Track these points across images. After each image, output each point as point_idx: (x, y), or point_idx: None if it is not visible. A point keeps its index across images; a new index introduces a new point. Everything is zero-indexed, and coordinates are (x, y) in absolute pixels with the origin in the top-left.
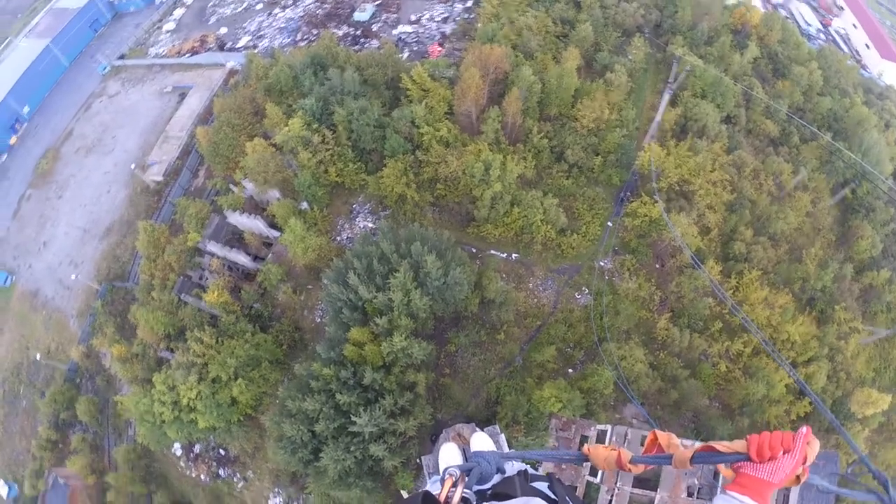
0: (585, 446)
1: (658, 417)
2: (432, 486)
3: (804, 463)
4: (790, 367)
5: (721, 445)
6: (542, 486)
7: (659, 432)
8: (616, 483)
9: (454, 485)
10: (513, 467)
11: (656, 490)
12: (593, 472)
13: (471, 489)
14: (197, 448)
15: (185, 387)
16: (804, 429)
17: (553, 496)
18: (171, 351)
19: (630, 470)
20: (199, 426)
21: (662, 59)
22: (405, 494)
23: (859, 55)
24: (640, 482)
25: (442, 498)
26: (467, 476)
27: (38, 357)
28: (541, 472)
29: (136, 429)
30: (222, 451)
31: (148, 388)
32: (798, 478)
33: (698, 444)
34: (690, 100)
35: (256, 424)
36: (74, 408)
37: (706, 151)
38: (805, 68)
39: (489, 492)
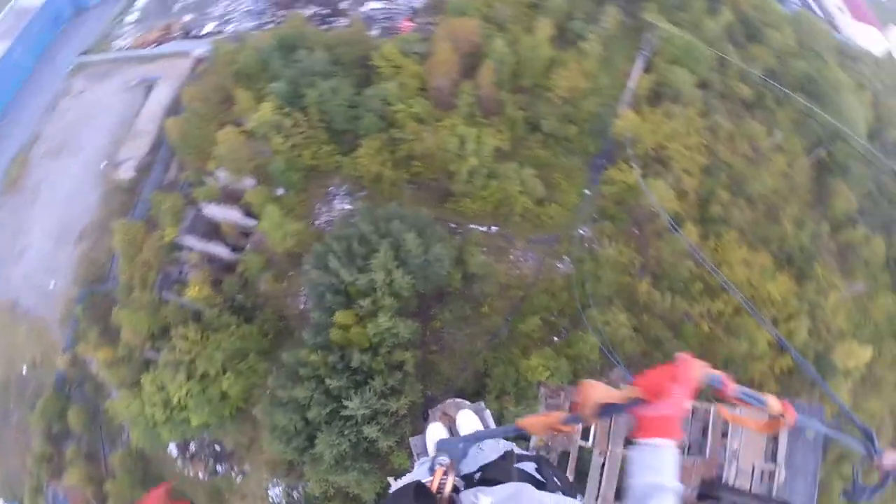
0: (518, 420)
1: None
2: (419, 470)
3: (695, 385)
4: (772, 327)
5: (616, 397)
6: (530, 466)
7: (586, 383)
8: (608, 445)
9: (445, 473)
10: (499, 446)
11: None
12: (585, 436)
13: (458, 476)
14: (192, 446)
15: (174, 385)
16: (682, 354)
17: (541, 478)
18: (157, 350)
19: (566, 431)
20: (192, 424)
21: (635, 26)
22: (392, 482)
23: (833, 18)
24: (630, 443)
25: (434, 487)
26: (458, 463)
27: (24, 370)
28: (532, 448)
29: (130, 433)
30: (217, 447)
31: (137, 391)
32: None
33: (594, 401)
34: (664, 66)
35: (249, 417)
36: (66, 418)
37: (681, 117)
38: (779, 32)
39: (476, 476)
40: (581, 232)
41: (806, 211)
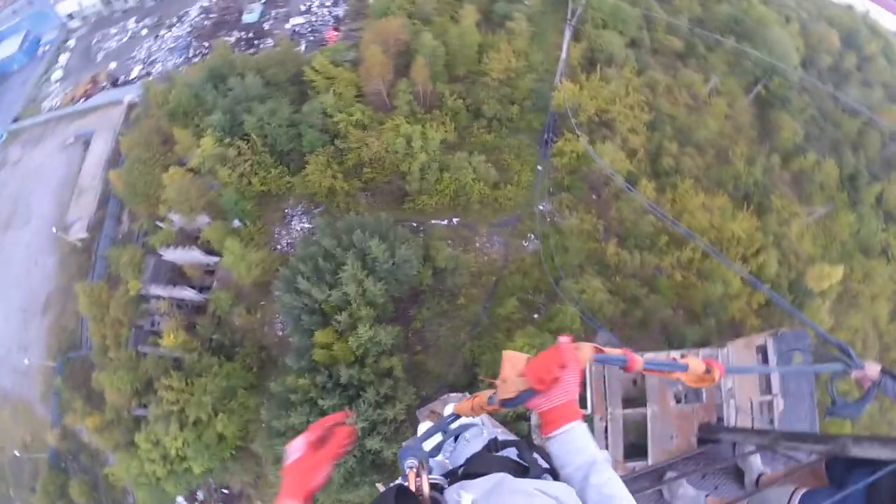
0: (452, 406)
1: (629, 338)
2: (407, 463)
3: (583, 366)
4: (739, 268)
5: (510, 391)
6: (512, 452)
7: (508, 353)
8: (607, 409)
9: (418, 475)
10: (483, 435)
11: (646, 405)
12: (582, 404)
13: (438, 474)
14: (200, 495)
15: (168, 438)
16: (563, 338)
17: (523, 462)
18: (145, 406)
19: (492, 410)
20: (194, 472)
21: None
22: (381, 487)
23: None
24: (628, 402)
25: (413, 488)
26: (427, 462)
27: (16, 453)
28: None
29: (135, 494)
30: (225, 490)
31: (133, 451)
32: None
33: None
34: (593, 31)
35: (250, 454)
36: (68, 494)
37: (617, 79)
38: None
39: (460, 470)
40: (541, 208)
41: (754, 148)
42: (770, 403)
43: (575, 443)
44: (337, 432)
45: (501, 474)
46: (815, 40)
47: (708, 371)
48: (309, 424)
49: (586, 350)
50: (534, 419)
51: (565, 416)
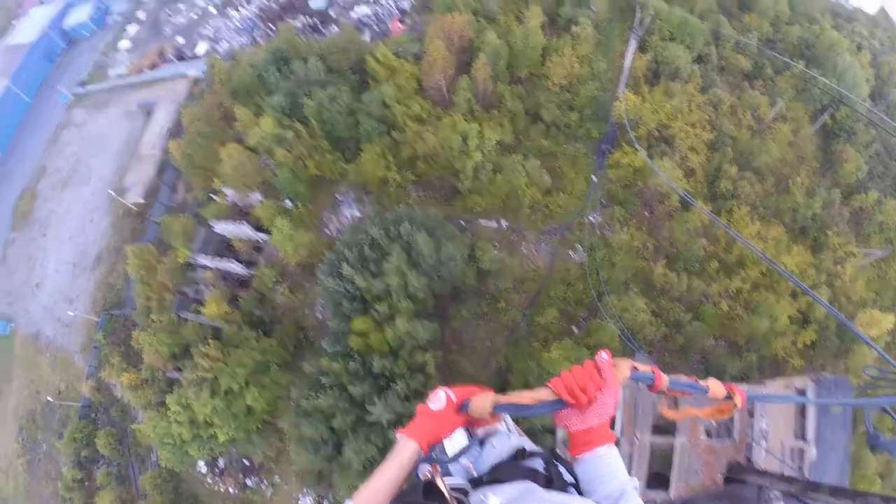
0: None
1: (668, 364)
2: (421, 469)
3: (620, 387)
4: (798, 280)
5: (524, 397)
6: (539, 463)
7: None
8: (634, 433)
9: (432, 480)
10: (511, 443)
11: (675, 435)
12: (612, 426)
13: (463, 478)
14: (221, 462)
15: (199, 403)
16: (604, 354)
17: (549, 474)
18: (180, 370)
19: (494, 420)
20: (219, 440)
21: (626, 5)
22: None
23: None
24: (658, 430)
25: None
26: (439, 466)
27: (49, 399)
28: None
29: (158, 453)
30: (246, 462)
31: (163, 411)
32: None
33: (501, 396)
34: (659, 44)
35: (275, 429)
36: (94, 443)
37: (681, 94)
38: None
39: (486, 477)
40: (591, 219)
41: (815, 179)
42: (802, 450)
43: (606, 468)
44: (482, 421)
45: (528, 482)
46: (885, 72)
47: (729, 397)
48: (336, 409)
49: (624, 369)
50: (560, 433)
51: (598, 438)
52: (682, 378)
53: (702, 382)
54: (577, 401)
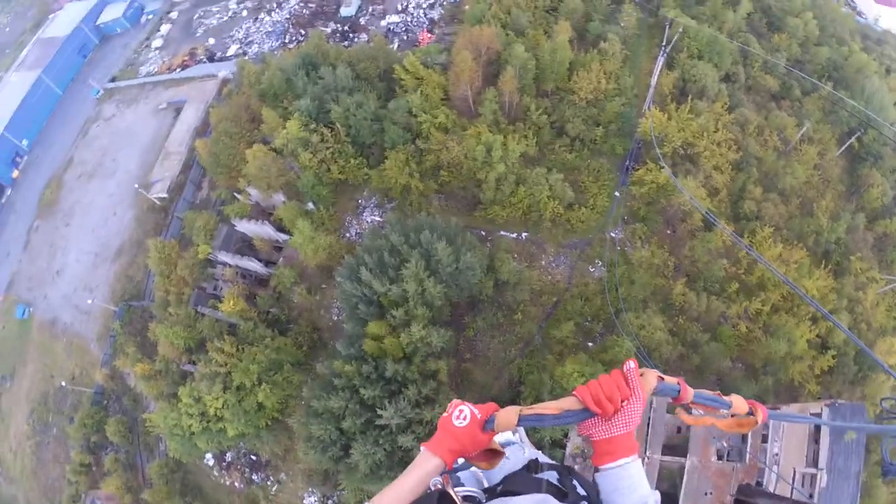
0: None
1: None
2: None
3: (647, 397)
4: (815, 302)
5: (549, 408)
6: (552, 476)
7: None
8: (645, 451)
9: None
10: (524, 455)
11: (686, 456)
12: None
13: (475, 488)
14: (228, 456)
15: (210, 397)
16: (631, 363)
17: (562, 487)
18: (194, 364)
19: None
20: (228, 434)
21: (655, 23)
22: None
23: (854, 2)
24: (669, 449)
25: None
26: (450, 477)
27: (63, 384)
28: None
29: (167, 443)
30: (254, 457)
31: (174, 403)
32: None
33: (525, 408)
34: (687, 61)
35: (284, 427)
36: (104, 430)
37: (707, 112)
38: (800, 19)
39: (499, 488)
40: (613, 235)
41: (840, 203)
42: (814, 477)
43: (629, 480)
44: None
45: (544, 495)
46: None
47: (750, 413)
48: (346, 411)
49: (651, 379)
50: (569, 447)
51: (622, 449)
52: (706, 392)
53: (725, 398)
54: (602, 410)
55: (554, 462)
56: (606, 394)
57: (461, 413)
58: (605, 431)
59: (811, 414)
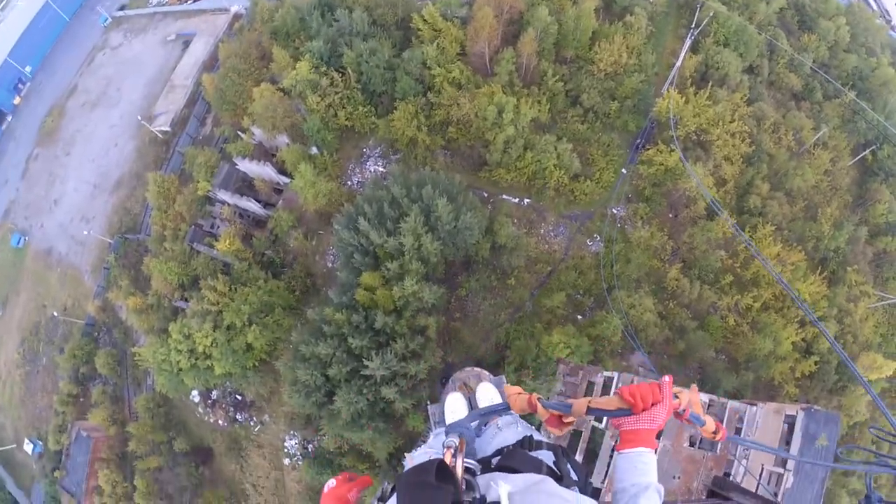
0: (505, 386)
1: (664, 367)
2: (434, 441)
3: (674, 409)
4: (807, 308)
5: (604, 403)
6: (547, 456)
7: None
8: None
9: (454, 455)
10: (517, 429)
11: (659, 438)
12: (598, 419)
13: (474, 458)
14: (214, 394)
15: (200, 335)
16: (667, 378)
17: (557, 470)
18: (186, 300)
19: (540, 412)
20: (215, 373)
21: (685, 3)
22: (408, 458)
23: (889, 15)
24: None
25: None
26: (467, 443)
27: (55, 314)
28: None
29: (155, 378)
30: (239, 397)
31: (164, 338)
32: (679, 415)
33: (586, 399)
34: (712, 47)
35: (271, 369)
36: (94, 362)
37: (726, 101)
38: (832, 23)
39: (494, 461)
40: (615, 211)
41: (845, 212)
42: (780, 476)
43: (641, 463)
44: (360, 480)
45: (543, 476)
46: None
47: (715, 432)
48: (333, 358)
49: (684, 399)
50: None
51: (643, 440)
52: (698, 414)
53: (702, 416)
54: (634, 403)
55: (549, 441)
56: (642, 394)
57: (326, 485)
58: (632, 423)
59: (786, 415)
